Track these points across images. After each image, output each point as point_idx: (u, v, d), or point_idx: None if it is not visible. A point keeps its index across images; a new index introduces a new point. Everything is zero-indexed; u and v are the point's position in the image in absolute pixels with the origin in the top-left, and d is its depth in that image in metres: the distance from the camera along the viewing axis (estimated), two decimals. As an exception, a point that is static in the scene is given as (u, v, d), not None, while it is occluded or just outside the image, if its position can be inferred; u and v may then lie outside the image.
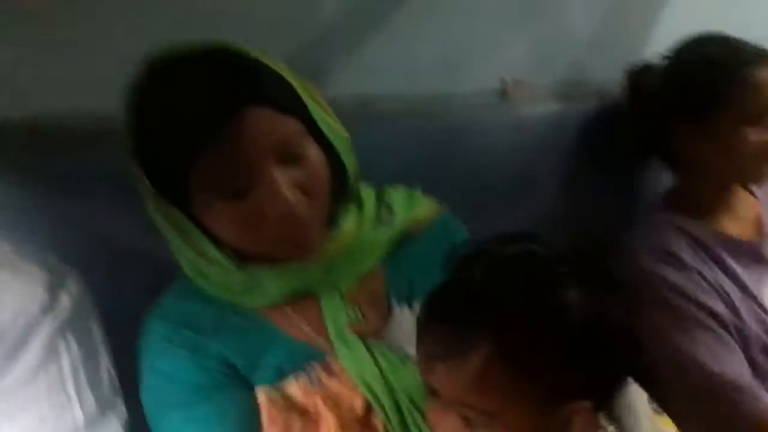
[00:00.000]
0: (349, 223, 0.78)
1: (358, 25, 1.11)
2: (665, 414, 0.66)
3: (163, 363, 0.75)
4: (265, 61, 0.69)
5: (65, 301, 0.71)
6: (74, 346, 0.70)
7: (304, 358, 0.75)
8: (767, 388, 0.98)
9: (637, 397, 0.63)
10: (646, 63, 1.15)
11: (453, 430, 0.59)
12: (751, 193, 1.15)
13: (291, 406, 0.73)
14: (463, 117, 1.14)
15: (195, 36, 0.67)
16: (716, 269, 1.04)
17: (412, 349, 0.73)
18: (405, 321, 0.76)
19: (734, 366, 0.96)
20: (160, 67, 0.66)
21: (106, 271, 0.84)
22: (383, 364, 0.73)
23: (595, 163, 1.22)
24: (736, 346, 0.99)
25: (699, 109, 1.03)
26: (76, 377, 0.69)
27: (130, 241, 0.86)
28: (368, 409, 0.73)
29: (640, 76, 1.15)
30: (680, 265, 1.01)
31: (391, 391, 0.73)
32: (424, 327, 0.62)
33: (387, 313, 0.78)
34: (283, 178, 0.66)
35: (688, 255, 1.03)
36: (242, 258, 0.73)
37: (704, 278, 1.01)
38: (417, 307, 0.77)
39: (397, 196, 0.85)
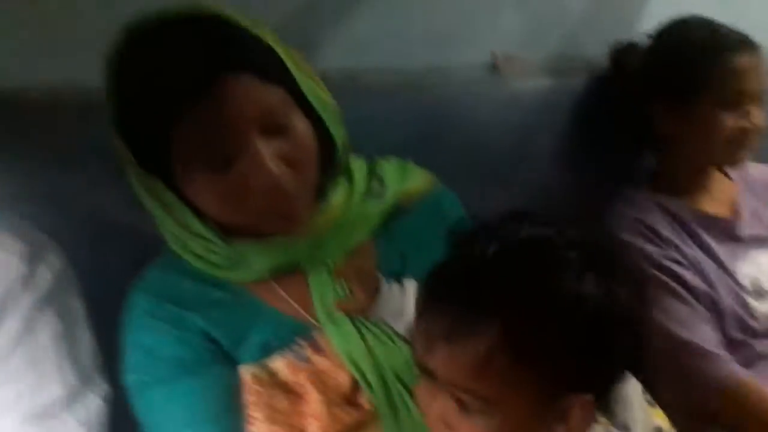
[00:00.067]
0: (338, 196, 0.76)
1: (347, -3, 1.09)
2: (657, 406, 0.66)
3: (146, 337, 0.73)
4: (251, 28, 0.66)
5: (45, 275, 0.70)
6: (53, 321, 0.69)
7: (291, 334, 0.74)
8: (743, 363, 1.02)
9: (632, 388, 0.62)
10: (630, 42, 1.17)
11: (444, 411, 0.57)
12: (727, 175, 1.19)
13: (276, 383, 0.72)
14: (454, 91, 1.14)
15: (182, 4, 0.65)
16: (693, 244, 1.09)
17: (400, 326, 0.73)
18: (394, 298, 0.75)
19: (703, 335, 1.01)
20: (140, 32, 0.64)
21: (90, 245, 0.83)
22: (371, 341, 0.72)
23: (585, 139, 1.22)
24: (708, 317, 1.03)
25: (679, 92, 1.07)
26: (54, 353, 0.68)
27: (115, 215, 0.85)
28: (355, 386, 0.72)
29: (624, 55, 1.17)
30: (658, 239, 1.06)
31: (378, 368, 0.71)
32: (426, 304, 0.59)
33: (376, 289, 0.76)
34: (267, 150, 0.65)
35: (666, 230, 1.08)
36: (227, 232, 0.72)
37: (681, 252, 1.07)
38: (407, 283, 0.76)
39: (388, 168, 0.83)
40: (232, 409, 0.72)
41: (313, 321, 0.74)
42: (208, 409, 0.72)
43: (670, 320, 1.01)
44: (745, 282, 1.08)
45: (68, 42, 0.85)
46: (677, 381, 0.98)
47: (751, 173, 1.21)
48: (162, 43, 0.63)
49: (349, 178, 0.79)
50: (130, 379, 0.73)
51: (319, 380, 0.72)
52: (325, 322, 0.73)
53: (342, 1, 1.09)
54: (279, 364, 0.72)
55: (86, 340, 0.74)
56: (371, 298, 0.75)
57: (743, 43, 1.05)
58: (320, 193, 0.74)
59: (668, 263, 1.05)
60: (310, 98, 0.70)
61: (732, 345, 1.04)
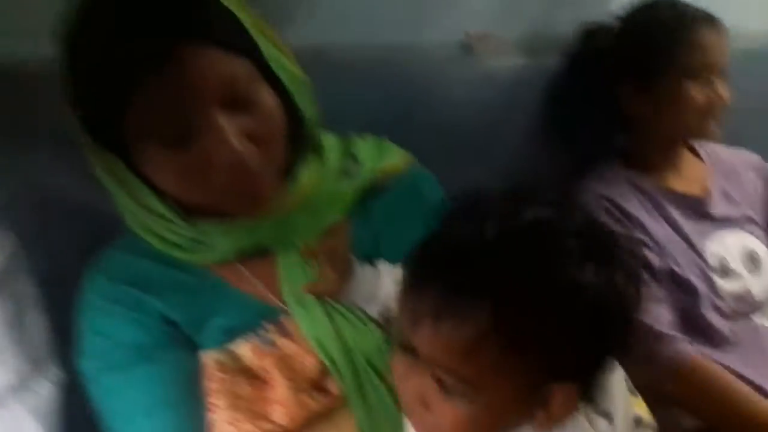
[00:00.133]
0: (308, 174, 0.73)
1: (316, -29, 1.06)
2: (639, 395, 0.65)
3: (102, 321, 0.70)
4: None
5: None
6: (2, 306, 0.67)
7: (257, 317, 0.71)
8: (709, 344, 1.05)
9: (616, 377, 0.60)
10: (599, 24, 1.19)
11: (422, 390, 0.55)
12: (697, 155, 1.22)
13: (239, 368, 0.70)
14: (427, 69, 1.13)
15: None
16: (661, 220, 1.11)
17: (373, 310, 0.71)
18: (367, 280, 0.72)
19: (657, 316, 1.03)
20: None
21: (43, 225, 0.80)
22: (341, 324, 0.70)
23: (559, 118, 1.23)
24: (666, 298, 1.05)
25: (647, 71, 1.10)
26: (4, 339, 0.66)
27: (71, 193, 0.82)
28: (323, 372, 0.70)
29: (593, 37, 1.19)
30: (623, 216, 1.09)
31: (348, 353, 0.69)
32: (415, 278, 0.56)
33: (349, 271, 0.73)
34: (230, 125, 0.61)
35: (634, 207, 1.10)
36: (190, 212, 0.69)
37: (646, 231, 1.09)
38: (380, 265, 0.73)
39: (363, 145, 0.81)
40: (192, 396, 0.70)
41: (281, 304, 0.72)
42: (167, 395, 0.69)
43: None
44: (713, 261, 1.09)
45: (13, 15, 0.80)
46: (633, 362, 0.98)
47: (719, 155, 1.24)
48: (117, 9, 0.59)
49: (321, 155, 0.76)
50: (86, 364, 0.71)
51: (286, 365, 0.70)
52: (293, 304, 0.71)
53: (314, -24, 1.06)
54: (243, 348, 0.70)
55: (38, 324, 0.72)
56: (343, 281, 0.73)
57: (707, 19, 1.09)
58: (288, 170, 0.71)
59: (630, 242, 1.06)
60: (277, 70, 0.66)
61: (698, 326, 1.05)
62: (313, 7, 1.05)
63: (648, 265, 1.04)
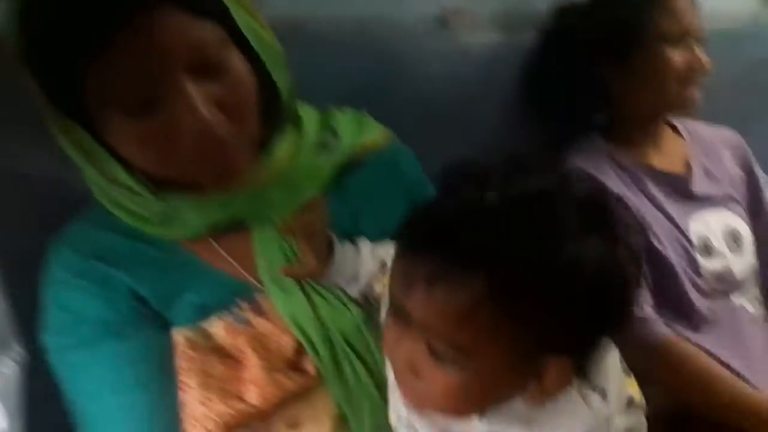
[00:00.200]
0: (284, 147, 0.71)
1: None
2: (632, 376, 0.64)
3: (68, 297, 0.68)
4: None
5: None
6: None
7: (230, 295, 0.69)
8: (695, 323, 1.05)
9: (611, 356, 0.60)
10: (572, 3, 1.17)
11: (413, 356, 0.54)
12: (677, 132, 1.21)
13: (212, 347, 0.68)
14: (402, 43, 1.10)
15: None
16: (641, 196, 1.10)
17: (353, 289, 0.70)
18: (347, 258, 0.70)
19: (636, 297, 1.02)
20: None
21: (3, 203, 0.77)
22: (318, 303, 0.68)
23: (535, 94, 1.21)
24: (644, 276, 1.02)
25: (624, 44, 1.08)
26: None
27: (33, 164, 0.78)
28: (299, 350, 0.69)
29: (566, 14, 1.17)
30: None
31: (325, 331, 0.68)
32: (411, 242, 0.54)
33: (327, 249, 0.71)
34: (198, 92, 0.58)
35: (611, 180, 1.08)
36: (160, 185, 0.66)
37: (624, 205, 1.06)
38: (360, 243, 0.71)
39: (343, 119, 0.78)
40: (164, 374, 0.68)
41: (256, 282, 0.70)
42: (136, 374, 0.67)
43: None
44: (696, 240, 1.09)
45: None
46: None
47: (699, 133, 1.23)
48: None
49: (299, 128, 0.73)
50: (50, 341, 0.68)
51: (260, 344, 0.68)
52: (269, 282, 0.69)
53: (284, -55, 1.02)
54: (216, 327, 0.68)
55: (1, 303, 0.68)
56: (321, 258, 0.70)
57: None
58: (264, 144, 0.68)
59: None
60: (250, 37, 0.63)
61: (676, 304, 1.05)
62: (291, -21, 1.02)
63: None
